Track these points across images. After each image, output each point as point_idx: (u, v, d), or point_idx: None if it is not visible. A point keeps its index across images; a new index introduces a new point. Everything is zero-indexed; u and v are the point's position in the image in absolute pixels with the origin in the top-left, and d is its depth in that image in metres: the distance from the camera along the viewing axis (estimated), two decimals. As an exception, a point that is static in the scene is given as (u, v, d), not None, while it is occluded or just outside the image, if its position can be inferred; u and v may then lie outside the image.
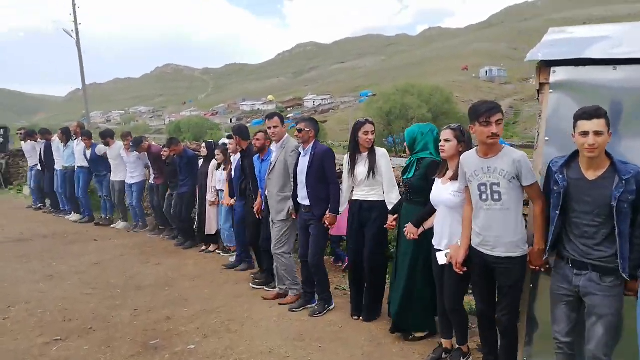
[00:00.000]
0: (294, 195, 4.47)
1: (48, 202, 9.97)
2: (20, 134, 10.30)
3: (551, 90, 2.90)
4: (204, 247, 6.80)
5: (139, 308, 4.50)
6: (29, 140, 10.00)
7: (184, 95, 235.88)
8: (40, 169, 9.78)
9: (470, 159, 2.95)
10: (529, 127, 55.37)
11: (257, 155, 5.08)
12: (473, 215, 2.96)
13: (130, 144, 7.57)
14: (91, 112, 24.66)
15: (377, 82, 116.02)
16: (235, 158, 5.90)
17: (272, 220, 4.67)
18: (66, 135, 8.90)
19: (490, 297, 3.06)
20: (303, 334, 3.87)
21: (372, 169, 3.98)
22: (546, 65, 2.92)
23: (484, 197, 2.86)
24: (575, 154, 2.61)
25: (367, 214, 4.03)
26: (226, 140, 6.81)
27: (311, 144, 4.33)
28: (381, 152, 4.09)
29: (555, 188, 2.62)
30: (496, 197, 2.81)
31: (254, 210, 5.20)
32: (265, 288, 5.06)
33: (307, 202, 4.30)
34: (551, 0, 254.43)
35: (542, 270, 2.85)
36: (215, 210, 6.58)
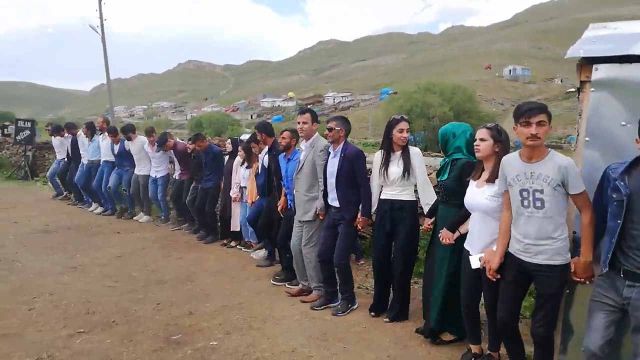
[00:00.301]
0: (324, 195, 4.38)
1: (70, 193, 10.12)
2: (48, 129, 10.46)
3: (593, 89, 2.76)
4: (225, 242, 6.80)
5: (161, 302, 4.49)
6: (57, 136, 10.17)
7: (205, 91, 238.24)
8: (67, 161, 9.94)
9: (512, 162, 2.81)
10: (555, 127, 54.20)
11: (283, 154, 5.02)
12: (513, 221, 2.83)
13: (156, 143, 7.60)
14: (115, 106, 25.04)
15: (398, 80, 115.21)
16: (260, 157, 5.85)
17: (299, 220, 4.61)
18: (91, 130, 9.02)
19: (517, 306, 2.95)
20: (326, 334, 3.80)
21: (407, 169, 3.87)
22: (588, 63, 2.77)
23: (525, 203, 2.72)
24: (637, 161, 2.43)
25: (399, 213, 3.93)
26: (247, 136, 6.78)
27: (341, 145, 4.22)
28: (415, 151, 3.98)
29: (615, 196, 2.45)
30: (538, 204, 2.67)
31: (278, 209, 5.18)
32: (287, 285, 5.02)
33: (337, 204, 4.22)
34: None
35: (587, 282, 2.70)
36: (240, 206, 6.56)
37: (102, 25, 23.67)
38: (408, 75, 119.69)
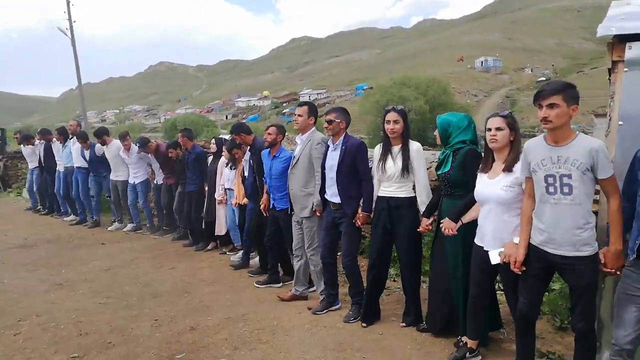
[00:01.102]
0: (321, 192, 4.17)
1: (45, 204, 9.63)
2: (17, 137, 9.93)
3: (626, 69, 2.61)
4: (209, 247, 6.52)
5: (159, 318, 4.19)
6: (27, 144, 9.64)
7: (178, 92, 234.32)
8: (40, 170, 9.43)
9: (536, 146, 2.65)
10: (526, 117, 55.17)
11: (267, 150, 4.80)
12: (536, 210, 2.68)
13: (137, 145, 7.23)
14: (86, 111, 24.19)
15: (372, 75, 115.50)
16: (245, 159, 5.62)
17: (297, 220, 4.41)
18: (63, 135, 8.57)
19: (539, 298, 2.82)
20: (342, 344, 3.56)
21: (405, 166, 3.65)
22: (620, 41, 2.61)
23: (551, 189, 2.56)
24: None
25: (397, 211, 3.73)
26: (227, 137, 6.54)
27: (342, 137, 4.02)
28: (416, 147, 3.74)
29: None
30: (566, 190, 2.51)
31: (261, 208, 4.98)
32: (272, 286, 4.93)
33: (337, 200, 4.00)
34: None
35: (618, 273, 2.56)
36: (224, 209, 6.28)
37: (71, 27, 22.80)
38: (382, 70, 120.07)
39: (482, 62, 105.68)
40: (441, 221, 3.34)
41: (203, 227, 6.59)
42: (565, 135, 2.53)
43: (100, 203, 8.37)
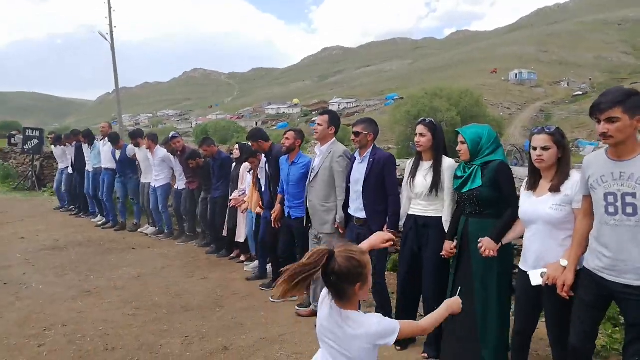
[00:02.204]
0: (344, 207, 3.91)
1: (75, 205, 9.68)
2: (51, 137, 10.01)
3: None
4: (232, 256, 6.28)
5: (190, 335, 3.90)
6: (58, 145, 9.69)
7: (210, 99, 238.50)
8: (70, 171, 9.46)
9: (597, 160, 2.36)
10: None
11: (286, 156, 4.55)
12: (594, 231, 2.36)
13: (171, 137, 7.17)
14: (121, 114, 24.59)
15: (403, 85, 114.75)
16: (261, 167, 5.41)
17: (314, 235, 4.14)
18: (88, 138, 8.61)
19: (594, 332, 2.46)
20: (392, 377, 3.19)
21: (435, 184, 3.32)
22: None
23: (611, 209, 2.24)
24: None
25: (424, 231, 3.41)
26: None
27: (369, 150, 3.75)
28: (448, 164, 3.38)
29: None
30: (629, 210, 2.18)
31: (272, 217, 4.72)
32: (297, 307, 4.50)
33: (362, 215, 3.74)
34: (581, 2, 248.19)
35: None
36: (244, 216, 6.03)
37: (111, 32, 23.29)
38: (413, 81, 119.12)
39: (516, 74, 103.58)
40: (479, 240, 2.98)
41: (225, 234, 6.36)
42: (630, 149, 2.22)
43: (126, 206, 8.27)
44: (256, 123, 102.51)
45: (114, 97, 25.91)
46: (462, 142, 3.12)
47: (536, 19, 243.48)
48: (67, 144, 9.42)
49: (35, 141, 12.60)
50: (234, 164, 6.39)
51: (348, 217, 3.91)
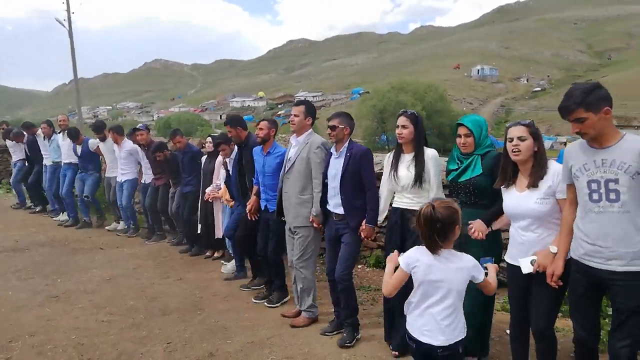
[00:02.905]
0: (323, 201, 3.80)
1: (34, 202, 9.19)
2: (2, 129, 9.36)
3: None
4: (208, 254, 6.07)
5: (172, 340, 3.68)
6: (12, 139, 9.09)
7: (172, 91, 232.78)
8: (27, 164, 8.93)
9: (577, 149, 2.39)
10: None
11: (260, 147, 4.40)
12: (578, 218, 2.38)
13: (133, 130, 6.83)
14: (75, 107, 23.30)
15: (368, 79, 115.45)
16: (231, 158, 5.22)
17: (290, 228, 4.01)
18: (52, 128, 8.13)
19: (596, 321, 2.48)
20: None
21: (419, 176, 3.28)
22: None
23: (594, 196, 2.28)
24: None
25: (410, 225, 3.27)
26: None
27: (346, 144, 3.66)
28: (430, 154, 3.36)
29: None
30: (612, 196, 2.22)
31: (247, 210, 4.55)
32: (266, 303, 4.45)
33: (340, 211, 3.65)
34: (542, 1, 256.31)
35: None
36: (221, 211, 5.85)
37: (69, 18, 22.10)
38: (378, 75, 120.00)
39: (478, 70, 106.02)
40: (469, 222, 2.94)
41: (198, 231, 6.11)
42: (610, 137, 2.26)
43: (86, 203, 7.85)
44: (220, 116, 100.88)
45: (70, 88, 24.71)
46: (467, 135, 3.06)
47: (498, 15, 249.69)
48: (18, 141, 8.83)
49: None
50: (205, 157, 6.14)
51: (326, 212, 3.80)
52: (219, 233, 5.92)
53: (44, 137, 8.17)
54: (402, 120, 3.35)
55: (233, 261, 5.42)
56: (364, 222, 3.56)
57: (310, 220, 3.83)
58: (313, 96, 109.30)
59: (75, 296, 4.62)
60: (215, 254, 6.04)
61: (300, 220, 3.87)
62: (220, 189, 5.69)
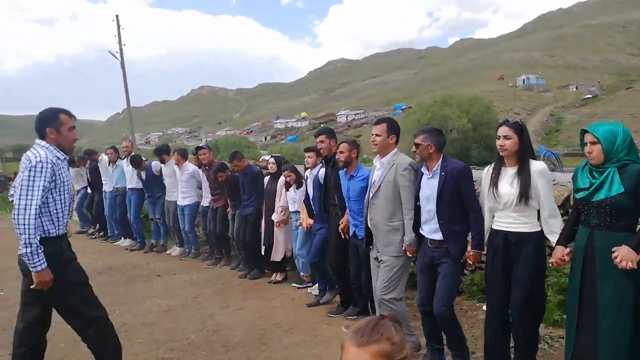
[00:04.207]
0: (415, 226, 3.41)
1: (95, 227, 9.39)
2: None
3: None
4: (272, 278, 5.84)
5: (238, 382, 3.36)
6: (73, 167, 9.30)
7: (218, 115, 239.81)
8: (89, 191, 9.12)
9: None
10: (573, 135, 52.79)
11: (344, 170, 4.09)
12: None
13: (197, 148, 6.87)
14: (129, 134, 24.06)
15: (409, 95, 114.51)
16: (312, 172, 4.91)
17: (377, 258, 3.63)
18: (117, 154, 8.22)
19: None
20: None
21: (525, 192, 2.84)
22: None
23: None
24: None
25: (516, 249, 2.90)
26: (267, 157, 5.97)
27: (439, 162, 3.26)
28: (538, 168, 2.92)
29: None
30: None
31: (339, 229, 4.26)
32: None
33: (438, 236, 3.23)
34: (585, 6, 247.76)
35: None
36: (284, 233, 5.65)
37: (121, 50, 23.08)
38: (419, 90, 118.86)
39: (524, 80, 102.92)
40: (613, 249, 2.45)
41: (263, 253, 5.91)
42: None
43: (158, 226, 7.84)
44: (265, 138, 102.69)
45: (123, 117, 25.71)
46: (593, 143, 2.60)
47: (540, 24, 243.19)
48: (80, 165, 9.04)
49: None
50: (267, 178, 5.98)
51: (419, 239, 3.42)
52: (277, 256, 5.73)
53: (108, 163, 8.25)
54: (503, 130, 2.95)
55: (316, 285, 5.18)
56: (469, 247, 3.15)
57: (403, 249, 3.47)
58: (355, 114, 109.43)
59: (134, 329, 4.41)
60: (278, 276, 5.82)
61: (392, 249, 3.51)
62: (293, 212, 5.49)
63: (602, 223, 2.57)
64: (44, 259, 2.69)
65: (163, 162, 7.26)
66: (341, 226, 4.29)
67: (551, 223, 2.88)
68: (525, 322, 2.93)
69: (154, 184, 7.51)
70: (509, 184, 2.93)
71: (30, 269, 2.67)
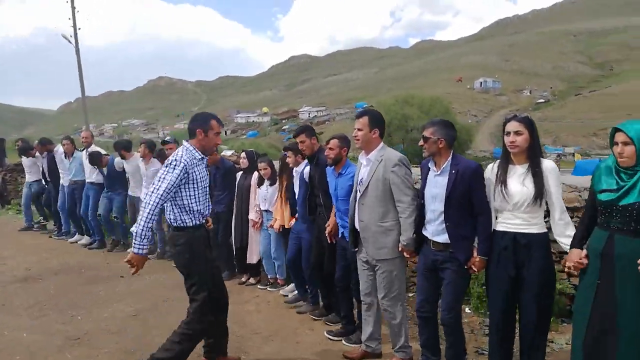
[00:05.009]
0: (417, 226, 3.21)
1: (50, 223, 8.78)
2: (18, 145, 8.87)
3: None
4: (243, 279, 5.58)
5: (219, 396, 3.08)
6: (28, 156, 8.61)
7: (177, 107, 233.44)
8: (44, 184, 8.46)
9: None
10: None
11: (332, 168, 3.85)
12: None
13: (163, 142, 6.50)
14: (83, 124, 22.72)
15: (371, 93, 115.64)
16: (297, 170, 4.64)
17: (365, 260, 3.45)
18: (74, 146, 7.65)
19: None
20: None
21: (540, 191, 2.72)
22: None
23: None
24: None
25: (525, 252, 2.77)
26: (228, 152, 5.65)
27: (449, 159, 3.05)
28: (549, 166, 2.79)
29: None
30: None
31: (326, 232, 4.00)
32: (344, 341, 3.90)
33: (442, 239, 3.05)
34: (540, 14, 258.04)
35: None
36: (259, 234, 5.34)
37: (75, 35, 21.76)
38: (380, 89, 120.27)
39: (481, 82, 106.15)
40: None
41: (234, 253, 5.64)
42: None
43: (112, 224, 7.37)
44: (225, 132, 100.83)
45: (75, 106, 24.43)
46: (626, 143, 2.42)
47: (497, 29, 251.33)
48: (38, 153, 8.34)
49: (-5, 153, 11.37)
50: (240, 174, 5.65)
51: (419, 239, 3.22)
52: (252, 258, 5.44)
53: (65, 155, 7.65)
54: (514, 126, 2.78)
55: (292, 284, 4.98)
56: (474, 253, 2.97)
57: (400, 250, 3.26)
58: (317, 111, 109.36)
59: (98, 338, 4.01)
60: (251, 280, 5.54)
61: (385, 252, 3.29)
62: (263, 211, 5.21)
63: (625, 227, 2.42)
64: (146, 247, 3.03)
65: (124, 157, 6.78)
66: (328, 229, 4.02)
67: (563, 225, 2.76)
68: (536, 327, 2.81)
69: (116, 180, 7.05)
70: (519, 183, 2.78)
71: (132, 247, 3.02)
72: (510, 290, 2.84)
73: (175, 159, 3.09)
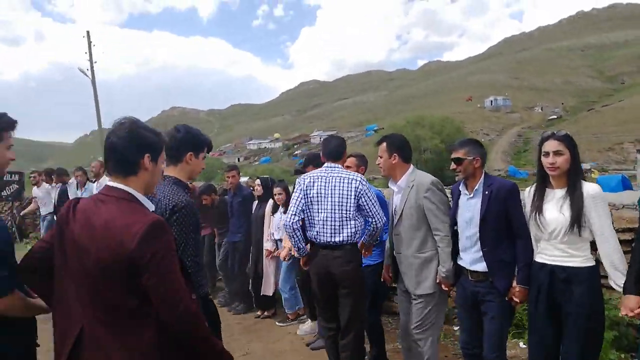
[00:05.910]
0: (452, 255, 2.97)
1: None
2: (34, 177, 8.83)
3: None
4: (259, 313, 5.35)
5: None
6: (43, 184, 8.52)
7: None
8: (55, 217, 8.33)
9: None
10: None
11: None
12: None
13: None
14: (99, 157, 23.01)
15: (381, 116, 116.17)
16: None
17: (404, 290, 3.21)
18: (87, 176, 7.60)
19: None
20: None
21: (577, 219, 2.40)
22: None
23: None
24: None
25: (565, 287, 2.46)
26: (244, 179, 5.52)
27: (481, 180, 2.83)
28: (592, 191, 2.47)
29: None
30: None
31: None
32: None
33: (480, 268, 2.79)
34: (546, 30, 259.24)
35: None
36: (275, 264, 5.08)
37: (92, 67, 22.16)
38: (391, 111, 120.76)
39: (491, 101, 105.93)
40: None
41: (250, 286, 5.40)
42: None
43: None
44: (238, 159, 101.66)
45: (92, 138, 24.68)
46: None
47: (504, 47, 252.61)
48: (56, 182, 8.23)
49: (15, 186, 11.35)
50: (255, 203, 5.45)
51: (457, 269, 2.97)
52: (268, 290, 5.16)
53: (77, 186, 7.55)
54: (553, 145, 2.51)
55: (309, 321, 4.68)
56: (514, 282, 2.69)
57: (438, 282, 2.99)
58: (328, 135, 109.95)
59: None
60: (265, 313, 5.31)
61: (428, 286, 3.03)
62: (277, 240, 4.96)
63: None
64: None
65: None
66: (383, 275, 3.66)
67: (611, 257, 2.41)
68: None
69: None
70: (557, 210, 2.50)
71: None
72: (551, 327, 2.54)
73: (301, 181, 3.29)
